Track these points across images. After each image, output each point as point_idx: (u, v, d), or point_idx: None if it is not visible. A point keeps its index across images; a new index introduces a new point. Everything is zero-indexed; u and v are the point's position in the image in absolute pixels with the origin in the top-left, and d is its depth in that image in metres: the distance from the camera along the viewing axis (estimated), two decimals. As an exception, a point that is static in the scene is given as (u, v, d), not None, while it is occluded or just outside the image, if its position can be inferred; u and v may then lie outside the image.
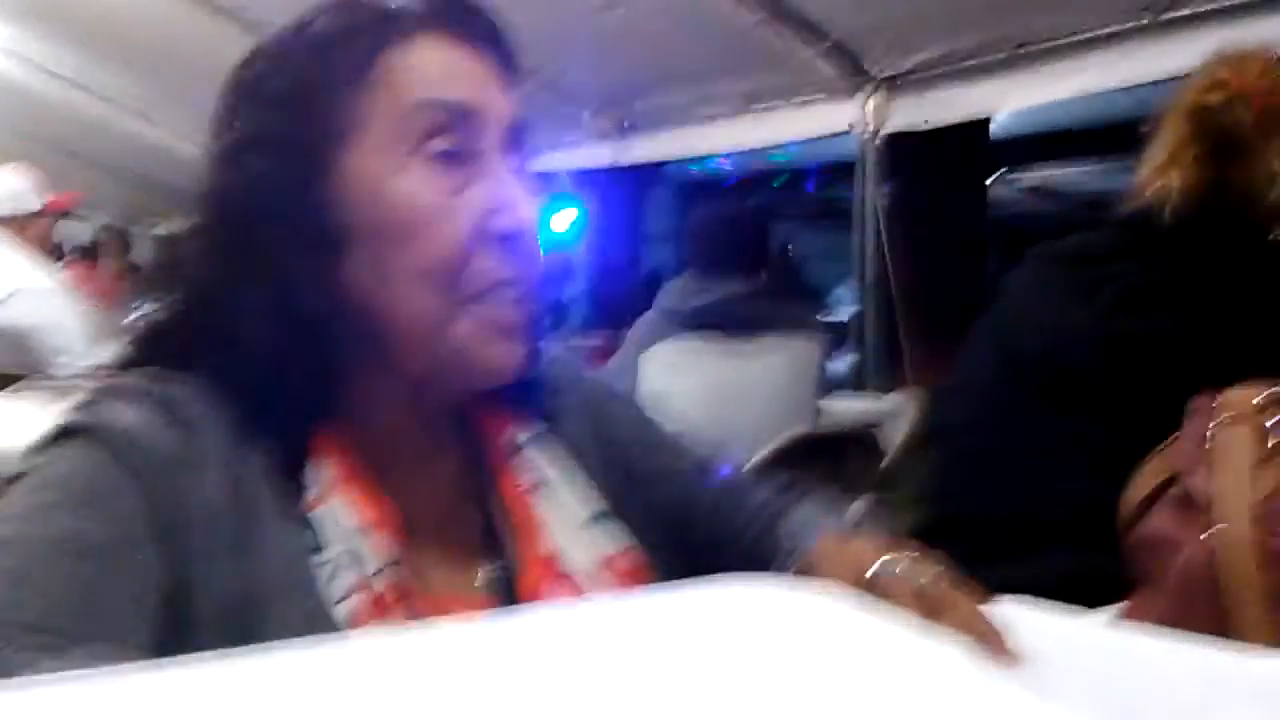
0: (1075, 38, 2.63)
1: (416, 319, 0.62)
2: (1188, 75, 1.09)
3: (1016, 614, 0.51)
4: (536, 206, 0.65)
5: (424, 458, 0.67)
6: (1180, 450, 0.70)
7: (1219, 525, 0.61)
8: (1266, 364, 0.74)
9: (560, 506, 0.69)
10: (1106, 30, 2.55)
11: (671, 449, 0.79)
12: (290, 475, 0.60)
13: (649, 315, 2.29)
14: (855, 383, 3.48)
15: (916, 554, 0.56)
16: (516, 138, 0.66)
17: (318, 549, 0.58)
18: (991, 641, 0.45)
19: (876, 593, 0.50)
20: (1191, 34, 2.39)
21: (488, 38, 0.67)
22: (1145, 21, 2.47)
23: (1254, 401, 0.66)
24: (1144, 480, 0.74)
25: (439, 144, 0.62)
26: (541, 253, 0.66)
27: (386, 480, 0.63)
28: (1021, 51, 2.77)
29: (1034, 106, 3.04)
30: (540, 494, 0.69)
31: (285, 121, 0.63)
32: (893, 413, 2.87)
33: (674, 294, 2.27)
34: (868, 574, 0.53)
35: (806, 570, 0.58)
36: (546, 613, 0.31)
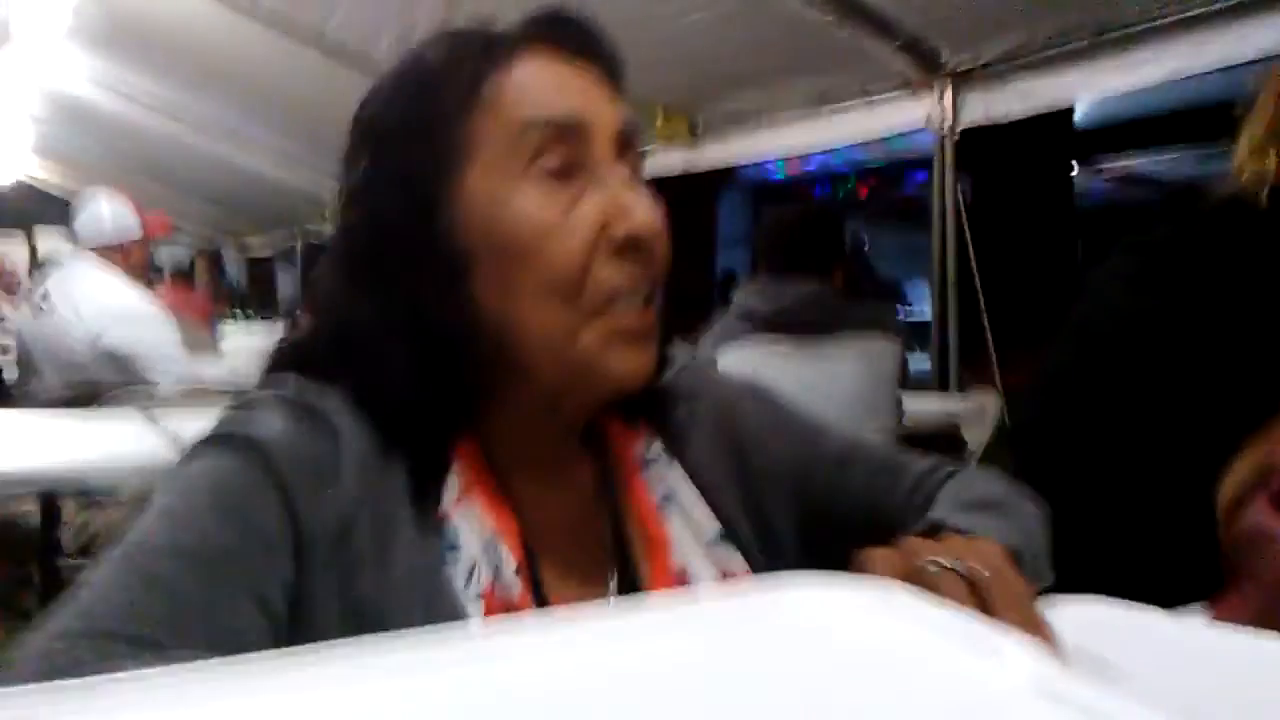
0: (1159, 21, 2.55)
1: (544, 332, 0.63)
2: None
3: (1101, 611, 0.50)
4: (653, 210, 0.65)
5: (554, 470, 0.69)
6: (1276, 442, 0.68)
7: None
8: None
9: (688, 523, 0.70)
10: (1192, 12, 2.46)
11: (812, 437, 0.77)
12: (427, 484, 0.62)
13: (724, 319, 2.29)
14: (938, 381, 3.42)
15: (970, 548, 0.54)
16: (626, 144, 0.67)
17: (456, 551, 0.61)
18: (1043, 637, 0.44)
19: (928, 587, 0.48)
20: (1281, 13, 2.29)
21: (590, 47, 0.68)
22: (1232, 1, 2.37)
23: (1357, 389, 0.64)
24: (1239, 473, 0.71)
25: (549, 160, 0.63)
26: (665, 257, 0.66)
27: (517, 491, 0.65)
28: (1103, 38, 2.69)
29: (1120, 94, 2.95)
30: (669, 509, 0.70)
31: (403, 155, 0.65)
32: (976, 411, 2.81)
33: (749, 296, 2.26)
34: (919, 568, 0.51)
35: (859, 568, 0.54)
36: (605, 610, 0.32)
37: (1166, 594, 0.57)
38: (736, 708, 0.26)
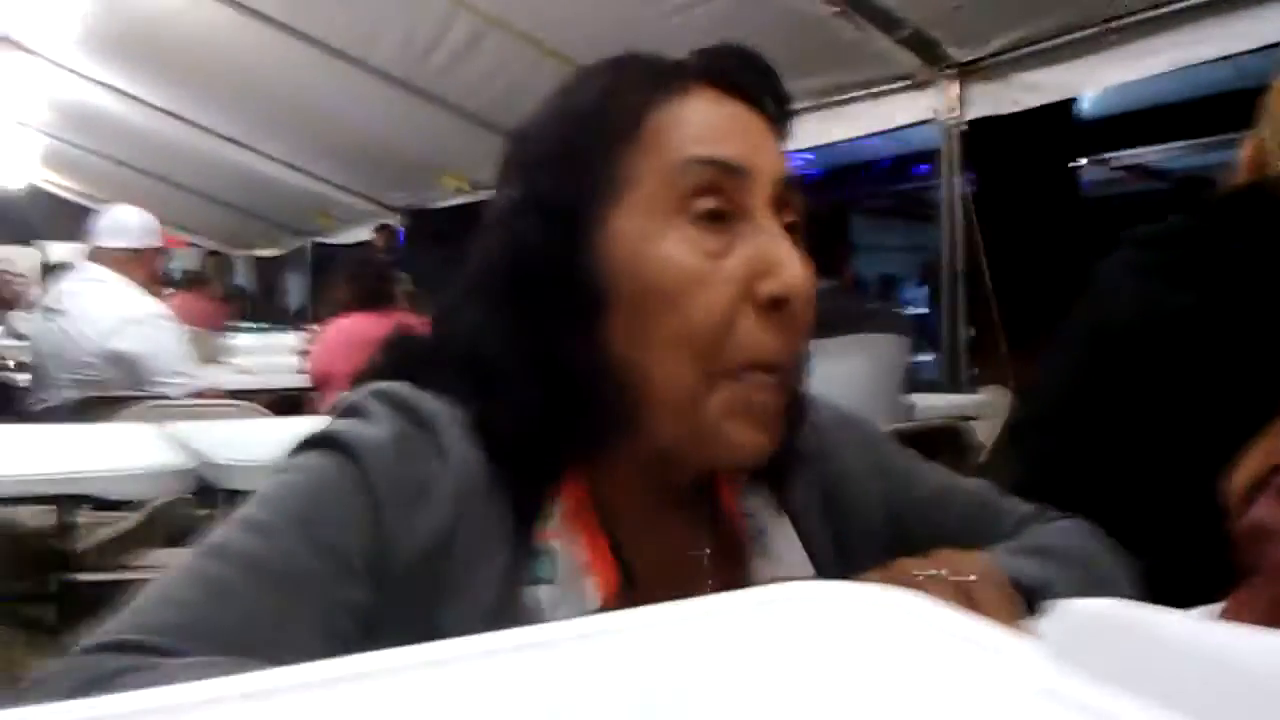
0: (1165, 9, 2.54)
1: (671, 388, 0.60)
2: None
3: (1108, 610, 0.50)
4: (807, 270, 0.61)
5: (656, 515, 0.66)
6: (1286, 435, 0.67)
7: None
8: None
9: (779, 565, 0.68)
10: (1194, 1, 2.45)
11: (906, 479, 0.75)
12: (528, 515, 0.60)
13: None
14: (947, 377, 3.41)
15: (955, 558, 0.57)
16: (785, 196, 0.63)
17: (546, 580, 0.59)
18: None
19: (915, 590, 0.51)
20: (1290, -1, 2.28)
21: (761, 90, 0.65)
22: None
23: (1365, 382, 0.63)
24: (1248, 467, 0.71)
25: (706, 203, 0.60)
26: (810, 325, 0.62)
27: (617, 530, 0.62)
28: (1108, 27, 2.68)
29: (1125, 85, 2.94)
30: (768, 563, 0.68)
31: (553, 182, 0.62)
32: (984, 407, 2.81)
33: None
34: (914, 576, 0.54)
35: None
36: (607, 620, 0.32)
37: (1181, 593, 0.57)
38: (740, 706, 0.26)
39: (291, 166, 6.18)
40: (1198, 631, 0.49)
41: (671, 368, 0.59)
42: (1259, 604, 0.62)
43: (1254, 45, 2.37)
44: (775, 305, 0.60)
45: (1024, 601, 0.58)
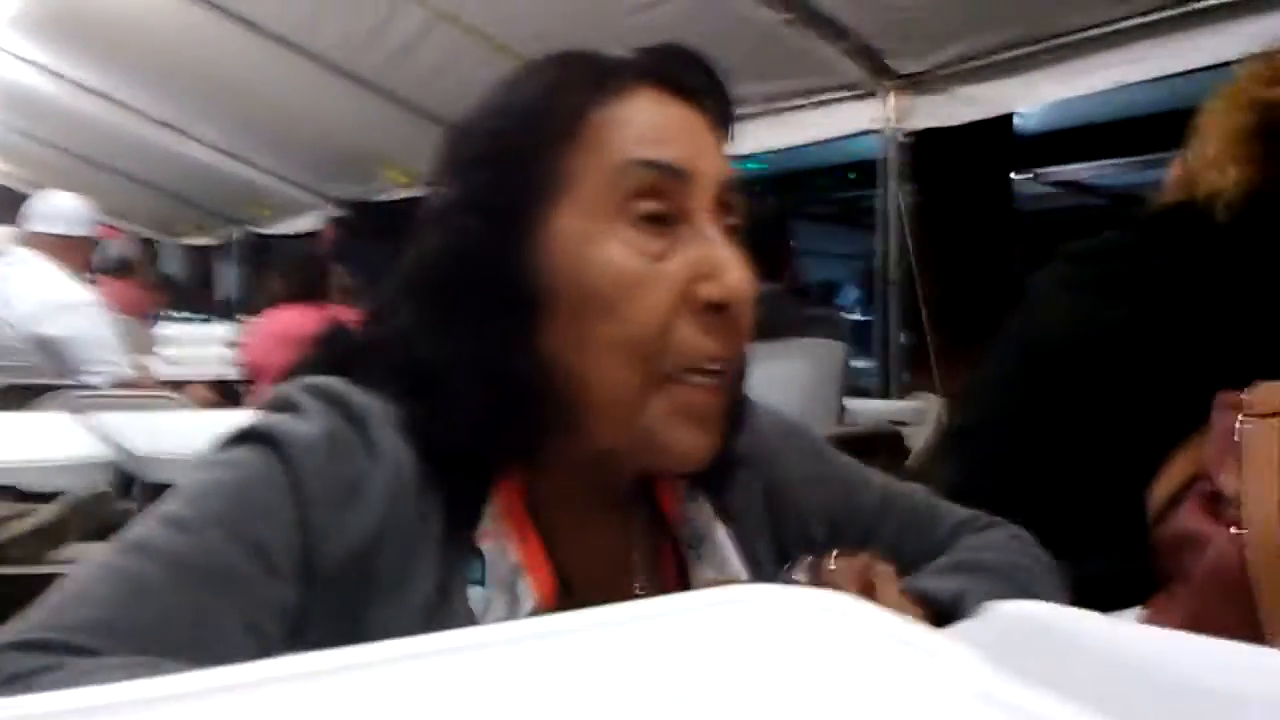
0: (1102, 30, 2.60)
1: (611, 392, 0.59)
2: (1230, 64, 1.05)
3: (1033, 613, 0.51)
4: (747, 274, 0.60)
5: (593, 518, 0.65)
6: (1208, 446, 0.69)
7: (1247, 521, 0.61)
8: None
9: (719, 568, 0.67)
10: (1134, 22, 2.52)
11: (848, 488, 0.75)
12: (460, 516, 0.59)
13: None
14: (881, 384, 3.46)
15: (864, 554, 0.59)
16: (726, 199, 0.63)
17: (479, 582, 0.58)
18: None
19: (828, 584, 0.54)
20: (1223, 24, 2.35)
21: (705, 91, 0.64)
22: (1174, 12, 2.43)
23: (1283, 396, 0.65)
24: (1171, 477, 0.73)
25: (646, 206, 0.59)
26: (750, 328, 0.62)
27: (552, 532, 0.61)
28: (1047, 45, 2.75)
29: (1062, 102, 3.02)
30: (700, 552, 0.67)
31: (490, 182, 0.61)
32: (919, 414, 2.86)
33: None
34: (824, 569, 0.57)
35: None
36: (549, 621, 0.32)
37: (1105, 598, 0.58)
38: (678, 709, 0.26)
39: (227, 153, 6.04)
40: (1118, 634, 0.51)
41: (611, 371, 0.59)
42: (1180, 609, 0.63)
43: (1187, 68, 2.45)
44: (716, 309, 0.60)
45: (935, 617, 0.59)
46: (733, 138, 0.66)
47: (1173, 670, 0.44)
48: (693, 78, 0.64)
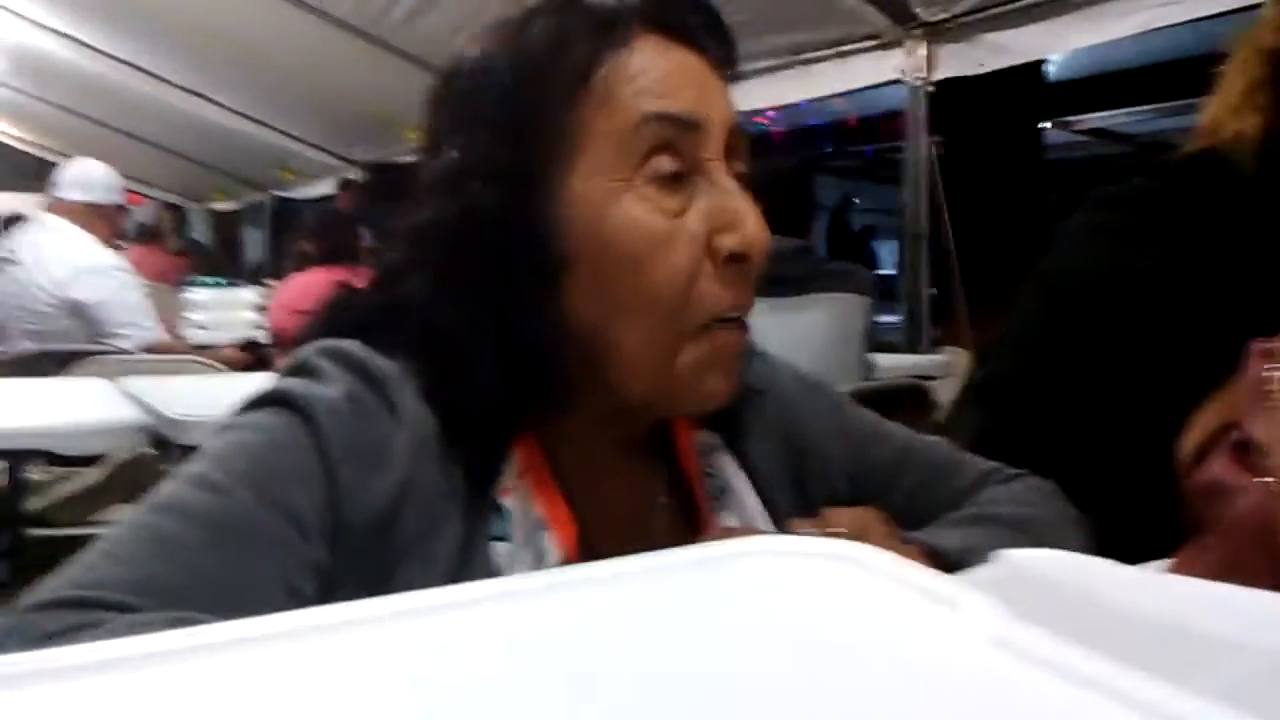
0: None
1: (639, 348, 0.59)
2: (1259, 6, 1.03)
3: (1052, 561, 0.51)
4: (763, 222, 0.60)
5: (613, 470, 0.66)
6: (1238, 395, 0.68)
7: (1278, 470, 0.60)
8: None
9: (741, 520, 0.68)
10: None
11: (869, 441, 0.75)
12: (482, 475, 0.59)
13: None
14: (908, 337, 3.44)
15: (845, 517, 0.59)
16: (734, 144, 0.62)
17: (503, 538, 0.59)
18: None
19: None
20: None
21: (709, 34, 0.63)
22: (1206, -48, 2.37)
23: (1315, 344, 0.64)
24: (1200, 427, 0.72)
25: (663, 162, 0.58)
26: (760, 274, 0.62)
27: (576, 485, 0.62)
28: (1075, -9, 2.69)
29: (1088, 48, 2.95)
30: (723, 504, 0.68)
31: (503, 145, 0.59)
32: (946, 367, 2.84)
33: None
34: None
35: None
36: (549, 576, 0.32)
37: (1134, 549, 0.58)
38: (697, 657, 0.26)
39: (250, 118, 6.05)
40: (1130, 582, 0.51)
41: (639, 328, 0.59)
42: (1208, 560, 0.63)
43: (1217, 10, 2.39)
44: (736, 260, 0.60)
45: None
46: (737, 79, 0.65)
47: (1189, 618, 0.43)
48: (692, 20, 0.62)
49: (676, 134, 0.59)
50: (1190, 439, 0.73)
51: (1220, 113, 0.99)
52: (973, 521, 0.67)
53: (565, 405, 0.62)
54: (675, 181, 0.59)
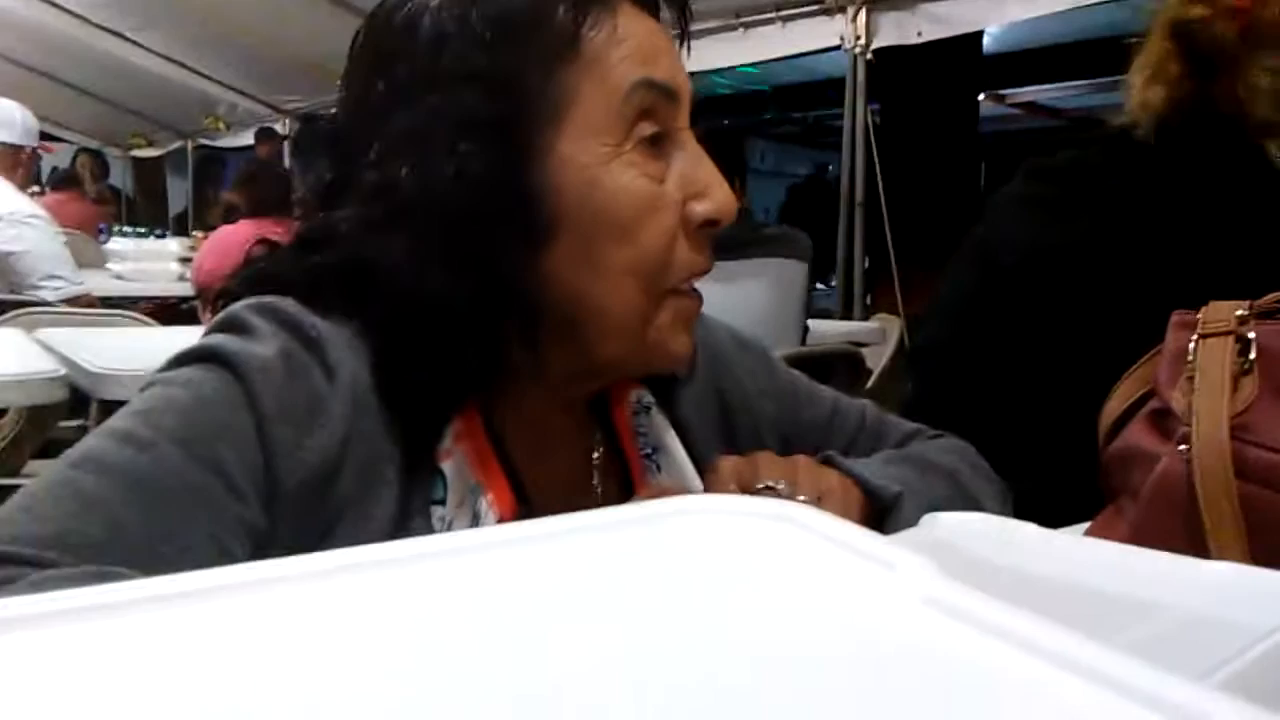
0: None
1: (622, 312, 0.60)
2: None
3: (975, 525, 0.52)
4: (729, 189, 0.62)
5: (549, 434, 0.65)
6: (1159, 364, 0.70)
7: (1195, 438, 0.62)
8: (1253, 280, 0.73)
9: (673, 477, 0.69)
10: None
11: (799, 401, 0.77)
12: (420, 436, 0.58)
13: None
14: (842, 304, 3.49)
15: (811, 473, 0.62)
16: (694, 113, 0.63)
17: (440, 501, 0.58)
18: None
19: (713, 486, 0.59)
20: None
21: (671, 3, 0.64)
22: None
23: (1236, 314, 0.66)
24: (1122, 395, 0.74)
25: (648, 128, 0.59)
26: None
27: (510, 449, 0.62)
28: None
29: (1025, 22, 3.00)
30: (656, 462, 0.69)
31: (491, 103, 0.57)
32: (879, 334, 2.88)
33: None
34: (755, 488, 0.60)
35: (711, 471, 0.63)
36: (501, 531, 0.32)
37: (1051, 515, 0.60)
38: (627, 624, 0.26)
39: (176, 62, 5.84)
40: (1056, 546, 0.52)
41: (624, 294, 0.60)
42: (1125, 525, 0.65)
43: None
44: (708, 225, 0.62)
45: (877, 510, 0.63)
46: (689, 50, 0.66)
47: (1105, 580, 0.45)
48: None
49: (658, 101, 0.60)
50: (1111, 407, 0.75)
51: (1133, 87, 1.03)
52: (903, 461, 0.70)
53: (528, 371, 0.61)
54: (656, 147, 0.60)
